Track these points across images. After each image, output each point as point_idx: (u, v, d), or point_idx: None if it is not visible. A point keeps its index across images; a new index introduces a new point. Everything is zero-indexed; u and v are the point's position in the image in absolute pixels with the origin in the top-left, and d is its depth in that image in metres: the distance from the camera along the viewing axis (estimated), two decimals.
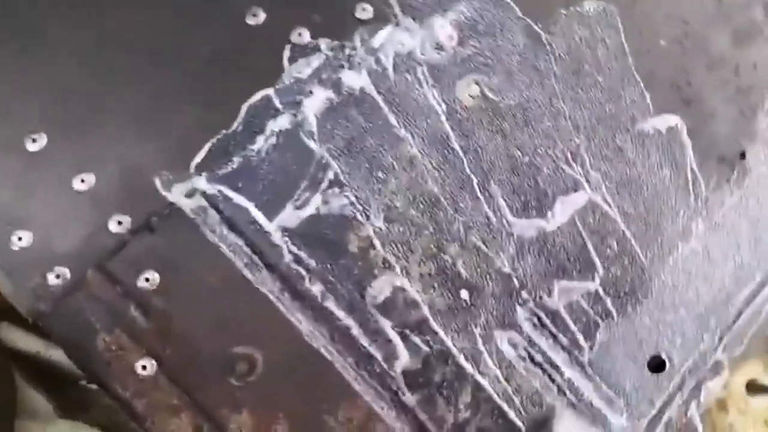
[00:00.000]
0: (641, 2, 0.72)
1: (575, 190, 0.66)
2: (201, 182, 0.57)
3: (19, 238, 0.54)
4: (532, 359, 0.63)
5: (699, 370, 0.69)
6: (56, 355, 0.66)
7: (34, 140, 0.55)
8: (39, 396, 0.65)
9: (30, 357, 0.67)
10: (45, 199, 0.55)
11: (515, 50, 0.66)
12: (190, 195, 0.56)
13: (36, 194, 0.55)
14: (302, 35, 0.61)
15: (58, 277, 0.54)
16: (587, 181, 0.66)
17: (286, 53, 0.60)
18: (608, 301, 0.65)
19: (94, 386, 0.69)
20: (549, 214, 0.65)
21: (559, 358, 0.64)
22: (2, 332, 0.63)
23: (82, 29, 0.57)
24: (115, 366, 0.54)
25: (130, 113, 0.57)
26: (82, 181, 0.55)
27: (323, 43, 0.61)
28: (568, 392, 0.64)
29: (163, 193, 0.56)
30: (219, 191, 0.57)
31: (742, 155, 0.73)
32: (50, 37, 0.56)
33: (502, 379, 0.62)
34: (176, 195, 0.56)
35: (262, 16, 0.60)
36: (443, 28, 0.65)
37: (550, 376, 0.64)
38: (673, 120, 0.70)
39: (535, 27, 0.67)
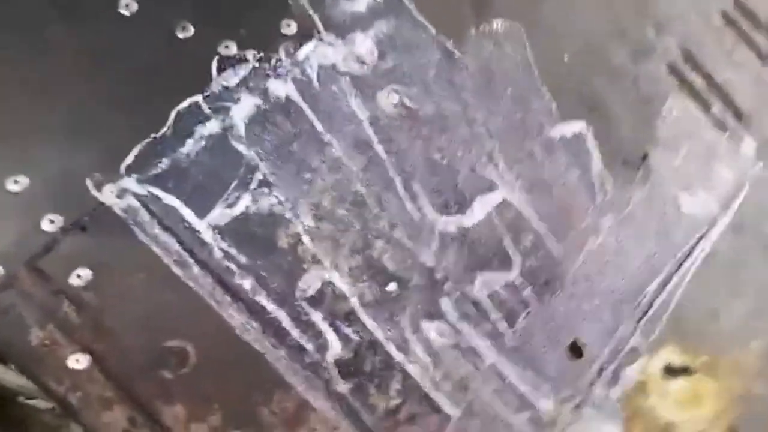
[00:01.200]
0: (545, 20, 0.82)
1: (491, 190, 0.73)
2: (131, 183, 0.62)
3: None
4: (457, 347, 0.69)
5: (618, 355, 0.76)
6: None
7: None
8: None
9: None
10: None
11: (431, 64, 0.75)
12: (120, 195, 0.61)
13: None
14: (229, 47, 0.67)
15: None
16: (501, 181, 0.74)
17: (215, 64, 0.66)
18: (527, 291, 0.72)
19: (32, 402, 0.70)
20: (468, 211, 0.72)
21: (483, 345, 0.70)
22: None
23: (15, 40, 0.62)
24: (48, 361, 0.57)
25: (62, 118, 0.61)
26: (15, 182, 0.59)
27: (250, 54, 0.68)
28: (493, 377, 0.69)
29: (95, 193, 0.60)
30: (149, 191, 0.62)
31: (644, 157, 0.82)
32: None
33: (429, 366, 0.68)
34: (107, 195, 0.61)
35: (191, 30, 0.67)
36: (364, 43, 0.73)
37: (474, 363, 0.69)
38: (578, 126, 0.79)
39: (449, 44, 0.76)
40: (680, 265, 0.84)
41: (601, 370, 0.76)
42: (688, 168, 0.87)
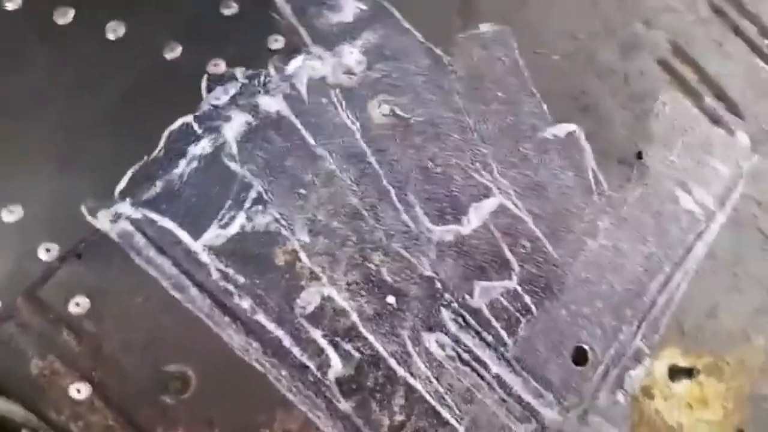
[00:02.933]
0: (533, 22, 0.86)
1: (486, 196, 0.76)
2: (125, 207, 0.64)
3: None
4: (460, 358, 0.72)
5: (621, 360, 0.79)
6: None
7: None
8: None
9: None
10: None
11: (420, 71, 0.78)
12: (115, 220, 0.64)
13: None
14: (218, 65, 0.70)
15: None
16: (497, 187, 0.77)
17: (204, 83, 0.69)
18: (527, 298, 0.76)
19: None
20: (464, 219, 0.75)
21: (485, 355, 0.73)
22: None
23: (4, 81, 0.64)
24: (49, 391, 0.60)
25: (55, 148, 0.64)
26: (10, 212, 0.62)
27: (239, 71, 0.71)
28: (497, 388, 0.72)
29: (89, 219, 0.63)
30: (143, 215, 0.65)
31: (639, 155, 0.86)
32: None
33: (433, 379, 0.71)
34: (102, 221, 0.63)
35: (178, 50, 0.69)
36: (352, 54, 0.76)
37: (478, 374, 0.72)
38: (570, 127, 0.82)
39: (437, 50, 0.79)
40: (680, 263, 0.87)
41: (605, 375, 0.79)
42: (683, 164, 0.90)
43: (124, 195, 0.65)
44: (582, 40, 0.89)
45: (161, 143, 0.67)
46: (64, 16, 0.69)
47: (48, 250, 0.62)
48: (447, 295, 0.73)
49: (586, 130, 0.84)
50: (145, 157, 0.66)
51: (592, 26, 0.90)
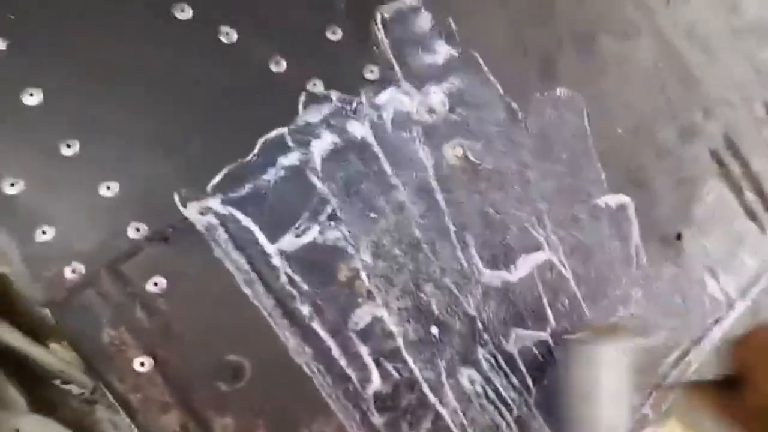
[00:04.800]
0: (604, 94, 0.91)
1: (537, 249, 0.81)
2: (215, 202, 0.69)
3: (43, 232, 0.64)
4: (486, 396, 0.77)
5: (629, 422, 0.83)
6: (35, 352, 0.73)
7: (69, 146, 0.66)
8: (12, 389, 0.72)
9: (9, 351, 0.74)
10: (72, 199, 0.65)
11: (495, 122, 0.83)
12: (203, 213, 0.68)
13: (64, 194, 0.65)
14: (317, 85, 0.75)
15: (74, 271, 0.64)
16: (547, 242, 0.82)
17: (302, 99, 0.74)
18: (555, 351, 0.80)
19: (66, 387, 0.77)
20: (512, 267, 0.80)
21: (509, 396, 0.78)
22: None
23: (121, 64, 0.69)
24: (116, 360, 0.64)
25: (157, 135, 0.68)
26: (108, 188, 0.66)
27: (334, 94, 0.75)
28: (515, 428, 0.77)
29: (180, 208, 0.68)
30: (230, 212, 0.69)
31: (678, 236, 0.91)
32: (90, 65, 0.68)
33: (459, 411, 0.75)
34: (191, 211, 0.68)
35: (283, 64, 0.74)
36: (436, 94, 0.81)
37: (500, 413, 0.77)
38: (624, 199, 0.88)
39: (513, 105, 0.84)
40: (698, 342, 0.92)
41: None
42: (716, 251, 0.95)
43: (215, 191, 0.69)
44: (645, 118, 0.94)
45: (256, 149, 0.71)
46: (183, 13, 0.73)
47: (137, 230, 0.66)
48: (485, 336, 0.78)
49: (636, 204, 0.88)
50: (240, 159, 0.70)
51: (657, 106, 0.95)
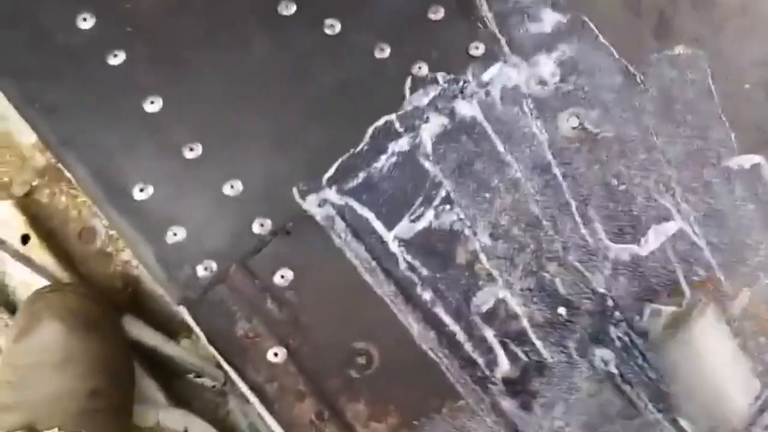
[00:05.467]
0: (728, 48, 0.84)
1: (666, 219, 0.77)
2: (331, 194, 0.70)
3: (174, 234, 0.67)
4: (622, 377, 0.73)
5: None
6: (169, 348, 0.78)
7: (191, 149, 0.69)
8: (153, 385, 0.77)
9: (146, 348, 0.79)
10: (198, 200, 0.68)
11: (611, 87, 0.79)
12: (321, 204, 0.69)
13: (190, 196, 0.68)
14: (422, 68, 0.74)
15: (206, 269, 0.67)
16: (678, 211, 0.77)
17: (408, 84, 0.73)
18: None
19: (199, 381, 0.80)
20: (642, 240, 0.76)
21: (646, 376, 0.74)
22: (126, 324, 0.75)
23: (232, 66, 0.71)
24: (250, 352, 0.66)
25: (272, 132, 0.70)
26: (231, 187, 0.68)
27: (440, 75, 0.74)
28: (652, 409, 0.73)
29: (299, 201, 0.69)
30: (346, 202, 0.70)
31: None
32: (208, 73, 0.71)
33: (592, 393, 0.72)
34: (310, 204, 0.69)
35: (387, 51, 0.74)
36: (546, 65, 0.78)
37: (638, 394, 0.73)
38: (756, 158, 0.81)
39: (630, 68, 0.79)
40: None
41: (760, 413, 0.78)
42: None
43: (330, 182, 0.70)
44: None
45: (366, 138, 0.71)
46: (288, 9, 0.74)
47: (262, 225, 0.68)
48: (617, 314, 0.74)
49: None
50: (351, 150, 0.71)
51: None
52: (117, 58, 0.70)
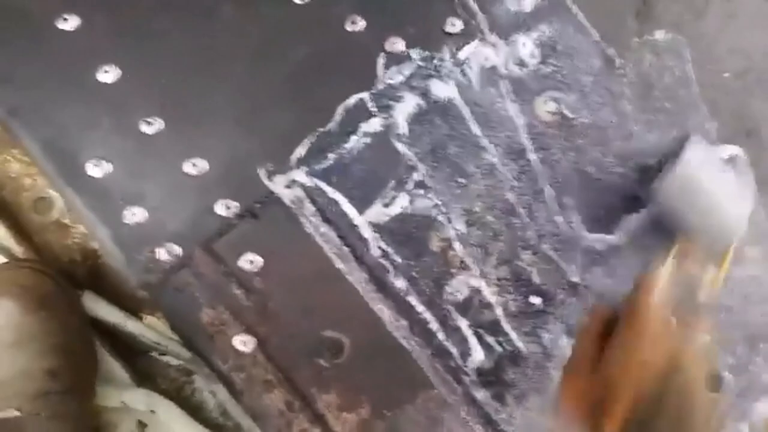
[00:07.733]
0: (708, 36, 0.90)
1: (642, 209, 0.82)
2: (300, 175, 0.73)
3: (133, 213, 0.69)
4: None
5: (749, 391, 0.85)
6: (131, 326, 0.78)
7: (150, 123, 0.70)
8: (116, 364, 0.78)
9: (107, 326, 0.79)
10: (158, 179, 0.70)
11: (590, 71, 0.84)
12: (289, 186, 0.72)
13: (150, 174, 0.70)
14: (396, 44, 0.77)
15: (168, 252, 0.69)
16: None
17: (381, 60, 0.77)
18: None
19: (164, 359, 0.81)
20: (617, 229, 0.81)
21: None
22: (86, 301, 0.75)
23: (196, 37, 0.73)
24: (217, 340, 0.69)
25: (238, 109, 0.72)
26: (194, 165, 0.70)
27: (415, 52, 0.78)
28: None
29: (266, 182, 0.72)
30: (315, 184, 0.73)
31: None
32: (170, 43, 0.72)
33: None
34: (277, 185, 0.72)
35: (360, 23, 0.77)
36: (525, 46, 0.82)
37: None
38: (735, 150, 0.88)
39: (610, 51, 0.85)
40: None
41: (732, 405, 0.85)
42: None
43: (299, 163, 0.73)
44: (755, 60, 0.93)
45: (335, 117, 0.74)
46: None
47: (228, 207, 0.71)
48: (591, 303, 0.80)
49: (748, 155, 0.88)
50: (320, 129, 0.74)
51: (766, 46, 0.94)
52: (68, 23, 0.71)
